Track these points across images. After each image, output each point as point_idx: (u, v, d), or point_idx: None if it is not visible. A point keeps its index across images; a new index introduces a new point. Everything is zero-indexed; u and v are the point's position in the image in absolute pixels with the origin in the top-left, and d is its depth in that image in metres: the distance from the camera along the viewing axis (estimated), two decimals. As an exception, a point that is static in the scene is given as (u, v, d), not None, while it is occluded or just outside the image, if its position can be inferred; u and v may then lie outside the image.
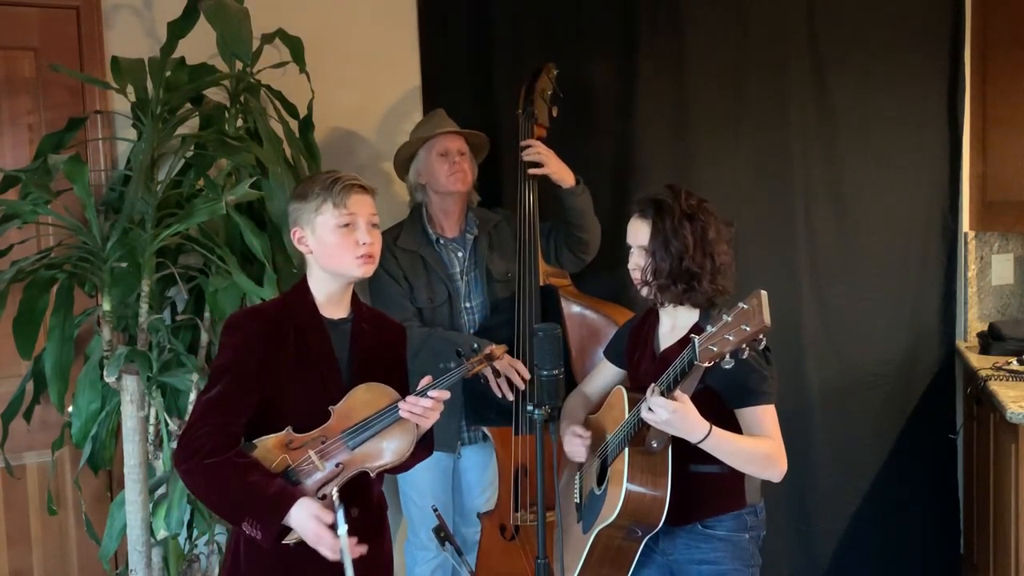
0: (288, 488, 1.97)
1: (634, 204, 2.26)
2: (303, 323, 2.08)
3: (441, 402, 2.06)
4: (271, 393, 2.03)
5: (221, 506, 2.00)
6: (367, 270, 2.08)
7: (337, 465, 2.04)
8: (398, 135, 3.10)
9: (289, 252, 2.60)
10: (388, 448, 2.07)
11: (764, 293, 1.83)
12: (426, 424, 2.08)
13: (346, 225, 2.04)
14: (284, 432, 2.03)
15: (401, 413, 2.04)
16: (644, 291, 2.23)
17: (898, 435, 3.62)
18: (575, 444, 2.31)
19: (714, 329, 1.88)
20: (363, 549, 1.95)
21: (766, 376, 2.12)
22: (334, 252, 2.05)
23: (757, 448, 2.11)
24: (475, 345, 2.21)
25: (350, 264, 2.06)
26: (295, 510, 1.93)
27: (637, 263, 2.23)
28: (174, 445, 2.63)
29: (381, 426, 2.05)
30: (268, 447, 2.02)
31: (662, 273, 2.16)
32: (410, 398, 2.04)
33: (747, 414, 2.14)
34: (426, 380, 2.09)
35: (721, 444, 2.06)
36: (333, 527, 1.91)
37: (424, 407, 2.03)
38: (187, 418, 2.02)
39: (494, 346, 2.23)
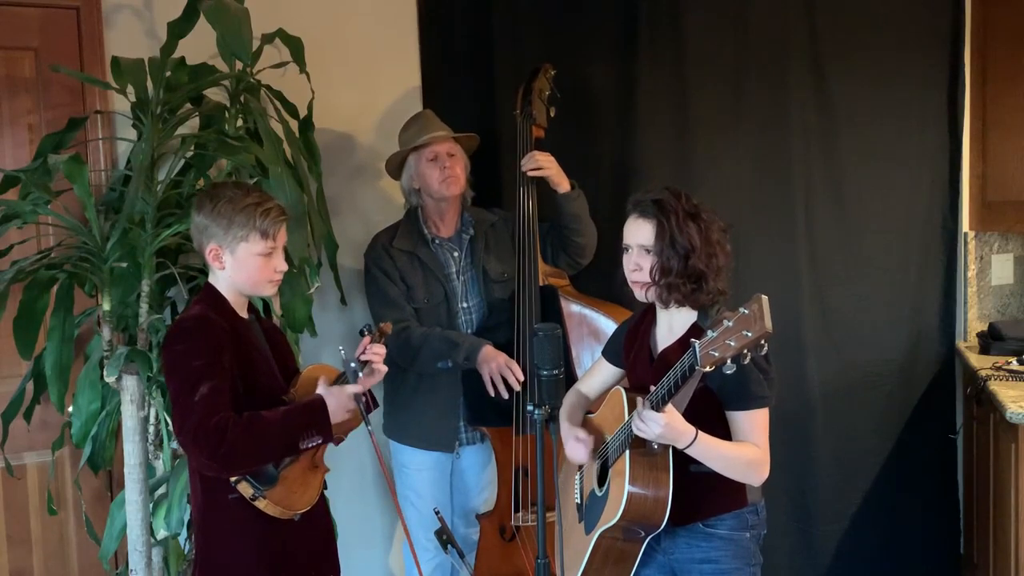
0: (306, 398, 2.18)
1: (631, 204, 2.22)
2: (233, 325, 2.18)
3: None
4: (242, 388, 2.13)
5: (272, 449, 2.11)
6: (275, 290, 2.28)
7: None
8: (398, 135, 3.10)
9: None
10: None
11: (765, 298, 1.79)
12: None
13: (268, 254, 2.18)
14: None
15: (374, 358, 2.24)
16: (644, 293, 2.19)
17: (898, 435, 3.62)
18: (577, 448, 2.30)
19: (715, 334, 1.84)
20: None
21: (766, 379, 2.11)
22: (252, 275, 2.20)
23: (741, 455, 2.12)
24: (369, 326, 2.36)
25: (263, 286, 2.24)
26: (329, 402, 2.15)
27: (638, 263, 2.17)
28: (175, 446, 2.64)
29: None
30: None
31: (670, 272, 2.12)
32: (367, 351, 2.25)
33: (740, 417, 2.13)
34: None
35: (707, 450, 2.07)
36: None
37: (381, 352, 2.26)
38: (187, 420, 2.04)
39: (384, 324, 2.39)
